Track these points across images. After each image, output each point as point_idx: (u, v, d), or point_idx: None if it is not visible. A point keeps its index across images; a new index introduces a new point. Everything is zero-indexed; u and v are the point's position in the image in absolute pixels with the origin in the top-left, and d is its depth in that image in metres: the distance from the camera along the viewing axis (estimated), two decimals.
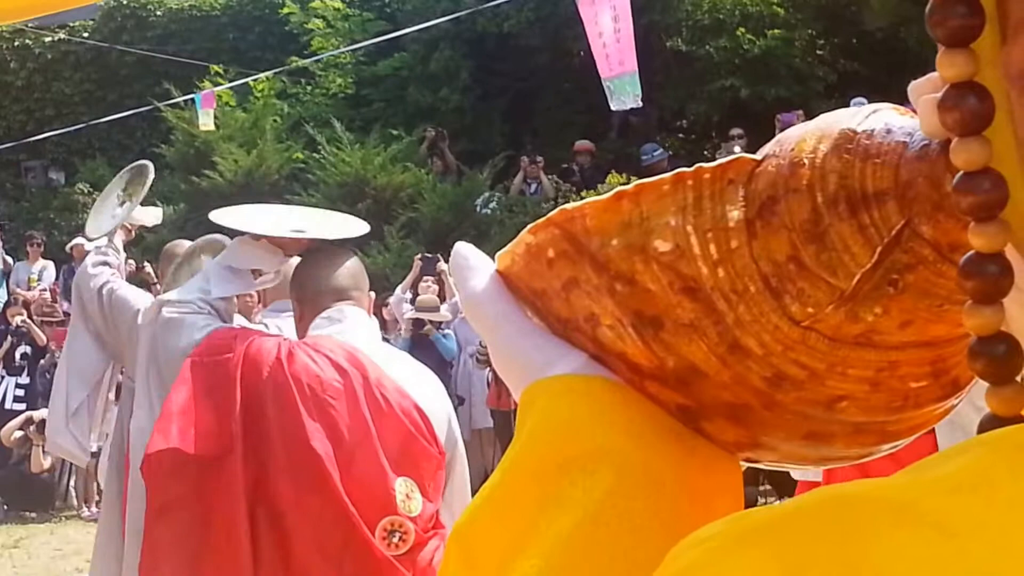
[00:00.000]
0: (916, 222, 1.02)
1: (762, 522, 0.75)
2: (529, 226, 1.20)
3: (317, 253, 6.02)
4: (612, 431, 1.09)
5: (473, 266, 1.24)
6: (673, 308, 1.10)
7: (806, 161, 1.06)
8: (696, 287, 1.09)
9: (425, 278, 17.84)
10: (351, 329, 5.36)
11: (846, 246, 1.04)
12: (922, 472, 0.72)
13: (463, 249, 1.26)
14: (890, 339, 1.08)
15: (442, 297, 17.74)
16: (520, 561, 1.03)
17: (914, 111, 1.02)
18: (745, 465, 1.20)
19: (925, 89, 0.94)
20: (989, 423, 0.85)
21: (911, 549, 0.67)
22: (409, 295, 17.71)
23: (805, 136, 1.09)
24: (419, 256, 18.58)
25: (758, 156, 1.10)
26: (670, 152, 24.71)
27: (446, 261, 19.86)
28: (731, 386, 1.12)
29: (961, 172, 0.86)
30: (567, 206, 1.16)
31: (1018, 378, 0.88)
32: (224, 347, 5.30)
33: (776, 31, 26.39)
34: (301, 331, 5.72)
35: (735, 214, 1.07)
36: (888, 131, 1.05)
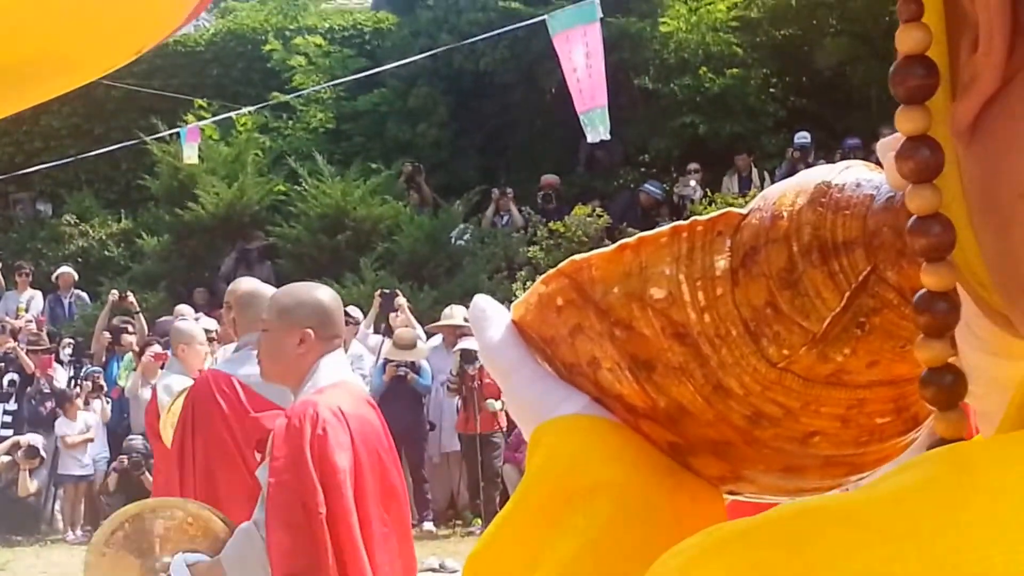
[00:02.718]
0: (881, 268, 1.10)
1: (734, 533, 0.76)
2: (542, 277, 1.26)
3: (316, 288, 6.28)
4: (610, 467, 1.17)
5: (490, 316, 1.30)
6: (664, 352, 1.18)
7: (785, 214, 1.14)
8: (685, 332, 1.17)
9: (395, 312, 18.04)
10: (351, 375, 5.78)
11: (818, 291, 1.12)
12: (876, 486, 0.75)
13: (481, 301, 1.32)
14: (858, 378, 1.16)
15: (389, 329, 17.99)
16: None
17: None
18: (729, 498, 1.28)
19: (892, 147, 0.96)
20: (936, 444, 0.88)
21: (860, 553, 0.69)
22: (371, 330, 17.93)
23: (786, 191, 1.16)
24: (379, 292, 18.84)
25: (745, 210, 1.17)
26: (650, 187, 25.21)
27: (419, 291, 20.30)
28: (715, 424, 1.19)
29: (914, 217, 0.90)
30: (576, 257, 1.23)
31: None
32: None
33: (734, 70, 27.11)
34: (309, 359, 6.08)
35: (721, 263, 1.15)
36: (858, 185, 1.13)
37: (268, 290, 7.90)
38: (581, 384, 1.23)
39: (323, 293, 6.38)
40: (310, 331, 6.03)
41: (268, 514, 5.55)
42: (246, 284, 9.22)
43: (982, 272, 0.91)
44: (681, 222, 1.16)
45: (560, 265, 1.23)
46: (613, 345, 1.19)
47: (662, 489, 1.18)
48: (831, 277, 1.11)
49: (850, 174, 1.14)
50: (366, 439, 5.93)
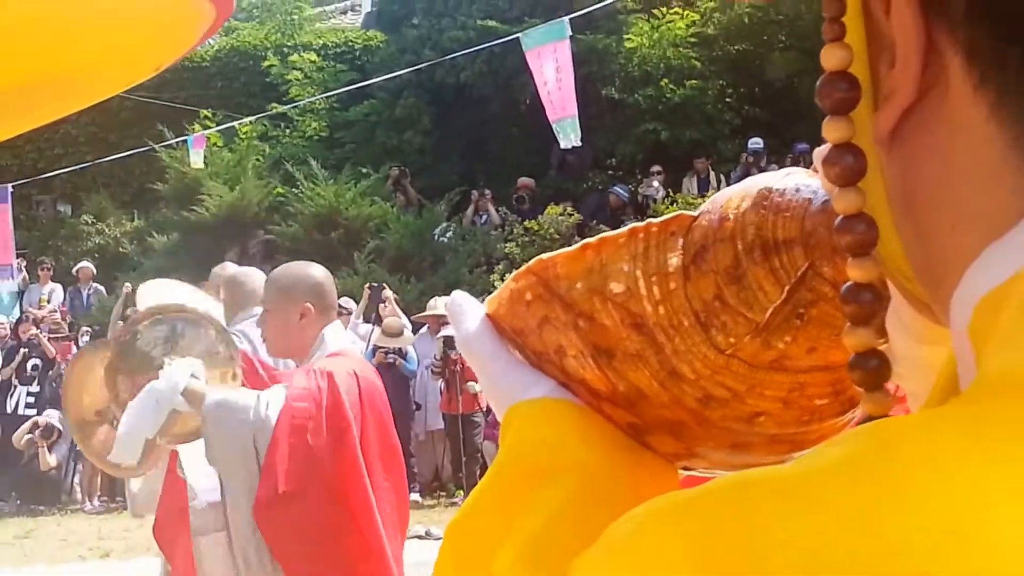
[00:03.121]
0: (818, 264, 1.12)
1: (680, 501, 0.77)
2: (513, 274, 1.27)
3: (308, 266, 6.31)
4: (575, 446, 1.18)
5: (466, 310, 1.31)
6: (623, 341, 1.19)
7: (731, 215, 1.16)
8: (642, 323, 1.18)
9: (382, 304, 18.02)
10: (351, 345, 5.78)
11: (760, 286, 1.14)
12: (808, 459, 0.75)
13: (459, 297, 1.34)
14: (798, 364, 1.17)
15: (378, 319, 17.98)
16: (500, 552, 1.11)
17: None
18: (683, 473, 1.29)
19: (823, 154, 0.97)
20: (864, 422, 0.89)
21: (791, 521, 0.69)
22: (361, 320, 17.90)
23: (732, 195, 1.18)
24: (367, 286, 18.76)
25: (696, 213, 1.18)
26: (618, 189, 25.14)
27: (406, 284, 20.21)
28: (670, 406, 1.20)
29: (841, 216, 0.92)
30: (543, 256, 1.25)
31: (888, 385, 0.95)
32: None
33: (693, 81, 27.04)
34: (312, 332, 6.12)
35: (674, 261, 1.17)
36: (797, 189, 1.15)
37: (252, 272, 8.02)
38: (548, 370, 1.24)
39: (316, 270, 6.37)
40: (310, 305, 6.03)
41: (276, 432, 5.59)
42: (231, 268, 9.28)
43: (906, 266, 0.92)
44: (638, 224, 1.18)
45: (528, 264, 1.24)
46: (577, 335, 1.20)
47: (622, 465, 1.19)
48: (772, 273, 1.13)
49: (790, 180, 1.15)
50: (372, 399, 5.96)
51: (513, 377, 1.25)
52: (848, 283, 0.94)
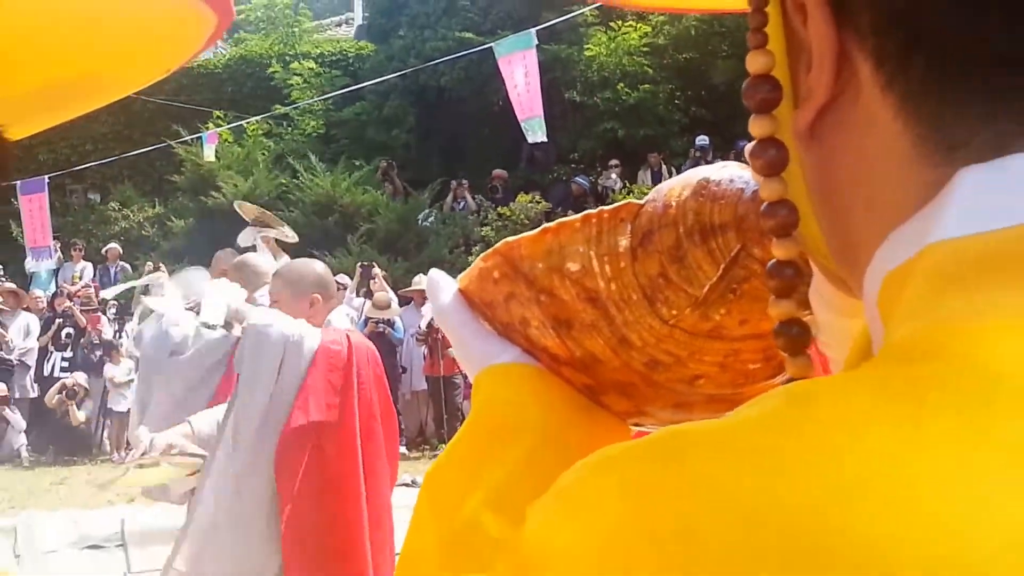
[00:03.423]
0: (749, 246, 1.13)
1: (616, 452, 0.78)
2: (482, 255, 1.27)
3: (311, 262, 6.46)
4: (537, 405, 1.20)
5: (442, 286, 1.32)
6: (579, 313, 1.20)
7: (673, 203, 1.17)
8: (595, 297, 1.19)
9: (372, 280, 18.02)
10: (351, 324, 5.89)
11: (699, 265, 1.15)
12: (736, 414, 0.75)
13: (435, 274, 1.34)
14: (733, 333, 1.18)
15: (369, 293, 18.00)
16: (469, 499, 1.12)
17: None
18: (634, 429, 1.30)
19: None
20: (786, 383, 0.87)
21: (716, 467, 0.70)
22: (355, 294, 17.90)
23: (674, 185, 1.19)
24: (359, 264, 18.73)
25: (642, 201, 1.19)
26: (579, 179, 25.12)
27: (394, 262, 20.13)
28: (620, 370, 1.21)
29: (766, 203, 0.93)
30: (508, 239, 1.25)
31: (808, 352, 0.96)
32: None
33: (646, 86, 27.00)
34: (320, 318, 6.21)
35: (624, 243, 1.17)
36: (731, 180, 1.16)
37: (254, 256, 7.94)
38: (514, 339, 1.25)
39: (319, 266, 6.43)
40: (317, 296, 6.11)
41: (312, 366, 5.72)
42: (229, 255, 9.35)
43: (824, 246, 0.92)
44: (591, 211, 1.19)
45: (496, 246, 1.24)
46: (539, 308, 1.21)
47: (578, 422, 1.20)
48: (709, 253, 1.13)
49: (726, 172, 1.16)
50: (373, 365, 6.03)
51: (483, 345, 1.26)
52: (773, 261, 0.94)
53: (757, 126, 0.92)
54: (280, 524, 5.68)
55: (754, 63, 0.91)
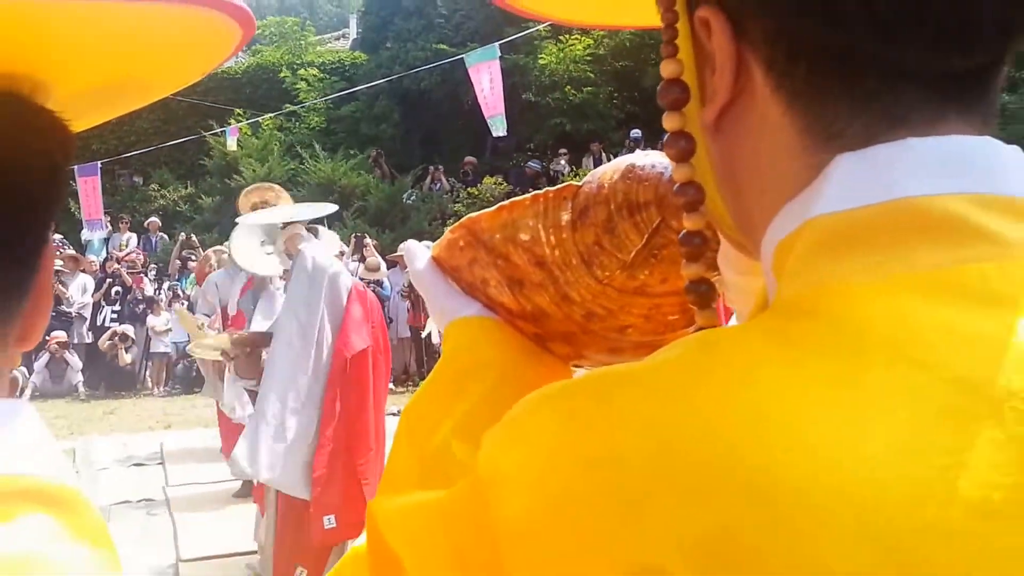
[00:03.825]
0: (668, 219, 1.13)
1: (554, 388, 0.79)
2: (450, 227, 1.26)
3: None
4: (494, 350, 1.21)
5: (417, 254, 1.31)
6: (530, 275, 1.20)
7: (606, 184, 1.16)
8: (543, 261, 1.19)
9: (364, 248, 17.98)
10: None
11: (627, 234, 1.15)
12: (654, 358, 0.77)
13: (411, 244, 1.34)
14: (655, 290, 1.18)
15: (362, 258, 17.92)
16: (440, 428, 1.12)
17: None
18: (574, 370, 1.29)
19: None
20: (696, 331, 0.88)
21: (636, 402, 0.73)
22: (351, 260, 17.87)
23: (606, 170, 1.18)
24: (354, 235, 18.72)
25: (581, 183, 1.18)
26: (533, 164, 25.01)
27: (383, 233, 20.03)
28: (563, 321, 1.22)
29: (678, 184, 0.93)
30: (472, 215, 1.24)
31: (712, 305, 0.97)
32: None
33: (589, 88, 26.98)
34: None
35: (565, 217, 1.17)
36: (653, 165, 1.15)
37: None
38: (477, 296, 1.25)
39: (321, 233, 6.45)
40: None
41: (348, 301, 5.73)
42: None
43: (729, 219, 0.92)
44: (539, 191, 1.19)
45: (461, 220, 1.24)
46: (496, 271, 1.21)
47: (529, 364, 1.21)
48: (635, 226, 1.14)
49: (648, 159, 1.15)
50: (378, 310, 6.06)
51: (451, 301, 1.26)
52: (683, 231, 0.94)
53: (669, 121, 0.91)
54: (318, 434, 5.65)
55: (666, 69, 0.90)
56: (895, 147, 0.77)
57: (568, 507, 0.71)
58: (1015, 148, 0.79)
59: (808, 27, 0.79)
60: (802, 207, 0.79)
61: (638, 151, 1.19)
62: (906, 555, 0.63)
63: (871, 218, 0.75)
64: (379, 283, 17.89)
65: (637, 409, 0.72)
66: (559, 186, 1.19)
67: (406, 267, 1.32)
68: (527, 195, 1.19)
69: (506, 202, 1.21)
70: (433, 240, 1.35)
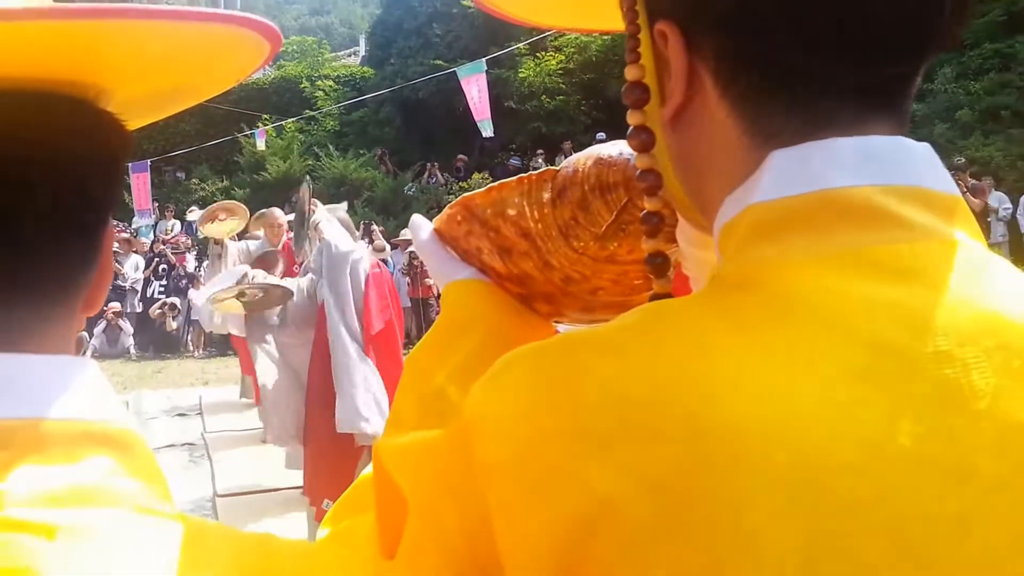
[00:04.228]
0: (634, 199, 1.12)
1: (531, 348, 0.79)
2: (449, 204, 1.26)
3: (340, 209, 6.66)
4: (484, 307, 1.20)
5: (422, 227, 1.30)
6: (516, 244, 1.19)
7: (580, 169, 1.16)
8: (527, 233, 1.18)
9: (372, 232, 17.98)
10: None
11: (599, 211, 1.14)
12: (614, 322, 0.78)
13: (416, 218, 1.33)
14: (623, 259, 1.18)
15: (370, 241, 17.96)
16: (436, 375, 1.13)
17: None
18: (555, 325, 1.30)
19: None
20: (654, 298, 0.91)
21: (597, 359, 0.74)
22: (362, 242, 17.84)
23: (581, 157, 1.18)
24: (364, 222, 18.69)
25: (559, 168, 1.18)
26: (514, 161, 24.97)
27: (387, 220, 19.93)
28: (545, 284, 1.21)
29: (639, 170, 0.92)
30: (467, 194, 1.23)
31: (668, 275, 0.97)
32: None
33: (561, 97, 26.91)
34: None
35: (546, 196, 1.17)
36: (621, 153, 1.14)
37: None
38: (471, 262, 1.25)
39: (341, 214, 6.41)
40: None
41: (366, 284, 5.72)
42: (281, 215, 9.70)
43: (686, 200, 0.91)
44: (524, 175, 1.18)
45: (459, 198, 1.23)
46: (488, 241, 1.21)
47: (515, 320, 1.21)
48: (606, 204, 1.14)
49: (616, 148, 1.15)
50: (392, 285, 6.06)
51: (449, 266, 1.25)
52: (644, 211, 0.94)
53: (632, 117, 0.91)
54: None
55: (630, 73, 0.90)
56: (820, 145, 0.77)
57: (538, 447, 0.72)
58: (925, 145, 0.79)
59: (747, 45, 0.79)
60: (742, 196, 0.80)
61: (608, 142, 1.19)
62: (822, 490, 0.65)
63: (799, 206, 0.76)
64: (384, 262, 17.88)
65: (599, 365, 0.73)
66: (541, 170, 1.18)
67: (406, 248, 1.31)
68: (514, 177, 1.19)
69: (496, 183, 1.20)
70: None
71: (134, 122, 0.90)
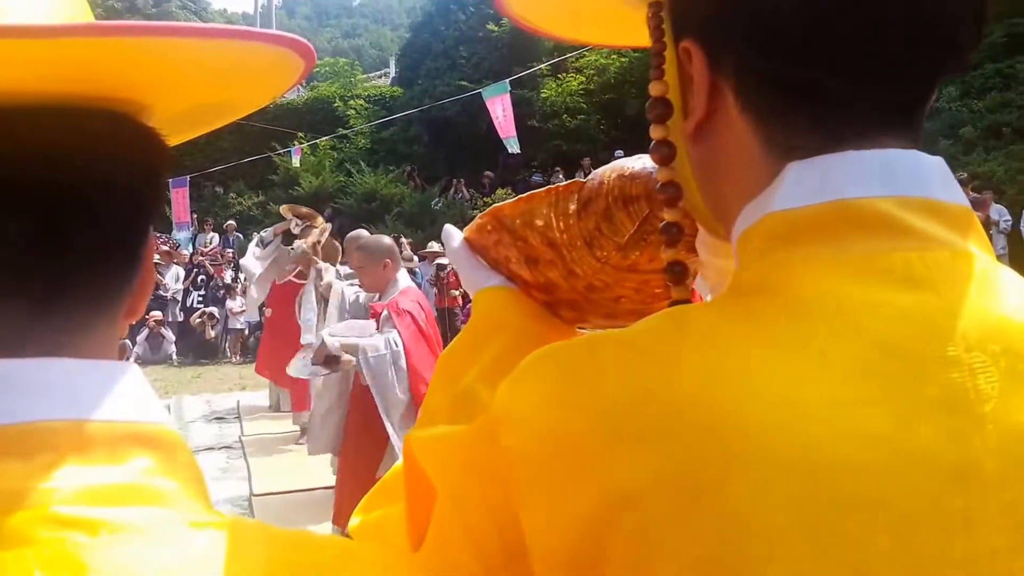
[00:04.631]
0: (656, 210, 1.10)
1: (557, 347, 0.80)
2: (479, 215, 1.25)
3: (381, 237, 6.39)
4: (512, 313, 1.20)
5: (454, 236, 1.30)
6: (543, 254, 1.18)
7: (605, 181, 1.15)
8: (553, 243, 1.17)
9: (401, 246, 17.97)
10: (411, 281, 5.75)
11: (622, 222, 1.13)
12: (635, 326, 0.78)
13: (449, 228, 1.33)
14: (644, 268, 1.17)
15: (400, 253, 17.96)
16: (466, 375, 1.13)
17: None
18: (579, 330, 1.29)
19: None
20: (672, 305, 0.91)
21: (620, 359, 0.74)
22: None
23: (606, 170, 1.17)
24: (392, 235, 18.68)
25: (585, 180, 1.17)
26: (536, 177, 24.92)
27: (415, 234, 19.96)
28: (569, 292, 1.20)
29: (660, 183, 0.93)
30: (497, 205, 1.22)
31: (688, 282, 0.99)
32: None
33: (581, 116, 26.98)
34: (390, 276, 6.00)
35: (572, 207, 1.16)
36: (644, 167, 1.13)
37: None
38: (500, 270, 1.24)
39: (386, 240, 6.24)
40: (388, 260, 5.95)
41: (407, 361, 5.57)
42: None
43: (706, 211, 0.91)
44: (552, 185, 1.18)
45: (488, 208, 1.23)
46: (516, 250, 1.20)
47: (541, 326, 1.21)
48: (628, 215, 1.13)
49: (639, 162, 1.14)
50: (429, 313, 5.95)
51: (479, 274, 1.25)
52: (664, 222, 0.94)
53: (655, 132, 0.91)
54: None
55: (654, 89, 0.91)
56: (837, 157, 0.78)
57: (561, 441, 0.73)
58: (939, 160, 0.80)
59: (769, 64, 0.80)
60: (760, 205, 0.80)
61: (632, 156, 1.19)
62: (832, 486, 0.65)
63: (815, 215, 0.76)
64: (412, 272, 17.90)
65: (620, 365, 0.74)
66: (568, 182, 1.18)
67: (433, 260, 1.31)
68: (542, 189, 1.19)
69: (525, 194, 1.20)
70: None
71: (175, 138, 0.90)
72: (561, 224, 1.17)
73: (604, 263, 1.17)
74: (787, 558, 0.64)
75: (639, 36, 0.98)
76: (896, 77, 0.78)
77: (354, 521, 1.10)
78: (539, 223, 1.18)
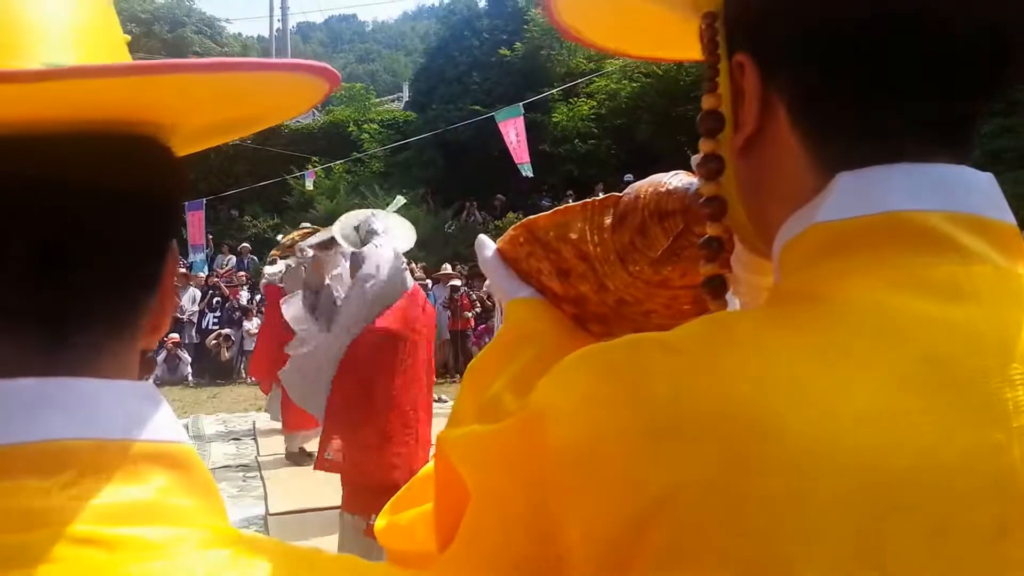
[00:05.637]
0: (690, 225, 1.11)
1: (597, 346, 0.80)
2: (512, 226, 1.25)
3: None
4: (541, 324, 1.20)
5: (486, 245, 1.30)
6: (575, 267, 1.18)
7: (641, 195, 1.15)
8: (586, 256, 1.18)
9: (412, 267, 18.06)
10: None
11: (656, 237, 1.13)
12: (678, 329, 0.79)
13: (482, 238, 1.32)
14: (676, 284, 1.17)
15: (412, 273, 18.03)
16: (495, 383, 1.12)
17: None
18: None
19: (697, 160, 0.98)
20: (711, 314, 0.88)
21: (661, 358, 0.75)
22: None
23: (642, 185, 1.17)
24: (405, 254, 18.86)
25: (621, 194, 1.18)
26: (546, 202, 24.98)
27: (430, 255, 19.99)
28: (599, 305, 1.20)
29: (705, 197, 0.93)
30: (531, 217, 1.23)
31: (726, 296, 0.98)
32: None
33: (592, 141, 27.06)
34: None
35: (607, 221, 1.16)
36: (681, 182, 1.13)
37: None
38: (531, 282, 1.24)
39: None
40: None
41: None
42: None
43: (748, 226, 0.92)
44: (588, 199, 1.19)
45: (522, 220, 1.24)
46: (548, 262, 1.20)
47: (568, 339, 1.20)
48: (664, 230, 1.13)
49: (676, 178, 1.14)
50: (432, 318, 5.94)
51: (510, 285, 1.25)
52: (705, 236, 0.95)
53: (705, 145, 0.91)
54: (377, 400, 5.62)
55: (707, 102, 0.91)
56: (885, 169, 0.79)
57: (602, 439, 0.73)
58: (988, 176, 0.80)
59: (823, 79, 0.80)
60: (807, 215, 0.81)
61: (671, 172, 1.19)
62: (875, 492, 0.66)
63: (862, 226, 0.77)
64: (426, 291, 17.98)
65: (665, 364, 0.74)
66: (604, 196, 1.19)
67: (447, 282, 1.29)
68: (578, 203, 1.19)
69: (560, 207, 1.20)
70: (471, 262, 1.33)
71: (198, 145, 0.91)
72: (595, 237, 1.17)
73: (636, 277, 1.17)
74: (825, 561, 0.65)
75: (687, 49, 0.99)
76: (951, 93, 0.79)
77: (381, 523, 1.11)
78: (573, 236, 1.18)
